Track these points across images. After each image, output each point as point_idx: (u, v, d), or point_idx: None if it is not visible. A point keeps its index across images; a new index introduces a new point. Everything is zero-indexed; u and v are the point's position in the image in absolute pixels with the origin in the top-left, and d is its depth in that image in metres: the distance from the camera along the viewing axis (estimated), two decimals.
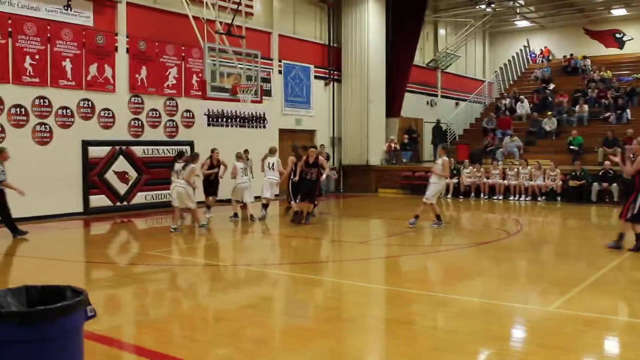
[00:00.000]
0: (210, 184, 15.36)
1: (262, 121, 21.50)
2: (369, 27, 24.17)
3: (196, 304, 7.58)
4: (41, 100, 15.65)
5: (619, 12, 32.24)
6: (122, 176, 17.32)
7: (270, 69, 21.65)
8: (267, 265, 10.45)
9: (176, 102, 18.81)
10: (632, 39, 33.36)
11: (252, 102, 17.57)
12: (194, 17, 16.42)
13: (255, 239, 13.13)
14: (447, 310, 7.16)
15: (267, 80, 21.27)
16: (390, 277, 9.39)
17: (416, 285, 8.36)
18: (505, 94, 30.97)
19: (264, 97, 18.80)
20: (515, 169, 20.73)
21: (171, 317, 6.98)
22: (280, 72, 22.26)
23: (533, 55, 36.57)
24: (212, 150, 15.52)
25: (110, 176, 17.04)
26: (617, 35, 33.93)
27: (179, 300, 7.81)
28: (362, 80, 24.39)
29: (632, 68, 30.85)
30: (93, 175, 16.69)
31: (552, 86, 30.24)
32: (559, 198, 19.72)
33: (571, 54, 33.26)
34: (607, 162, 19.42)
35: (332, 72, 24.71)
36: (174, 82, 18.72)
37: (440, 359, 5.38)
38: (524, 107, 27.89)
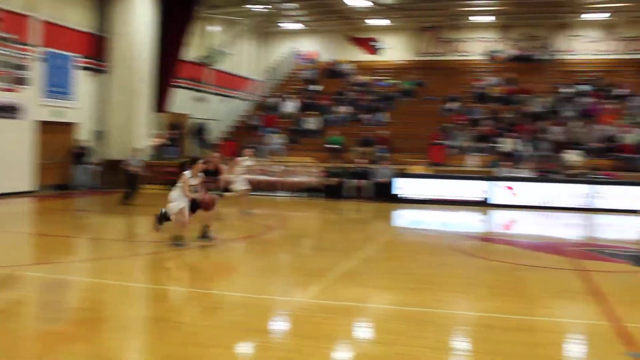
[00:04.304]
0: None
1: (15, 111, 19.84)
2: (138, 19, 23.47)
3: None
4: None
5: (375, 22, 34.64)
6: None
7: (28, 55, 20.06)
8: (16, 266, 9.63)
9: None
10: (392, 47, 36.15)
11: (5, 90, 16.25)
12: None
13: (0, 239, 12.05)
14: (205, 305, 7.24)
15: (23, 67, 19.69)
16: (148, 274, 9.22)
17: (174, 282, 8.36)
18: (273, 93, 31.98)
19: (19, 86, 17.46)
20: (280, 166, 21.60)
21: None
22: (40, 59, 20.71)
23: (301, 57, 38.11)
24: None
25: None
26: (374, 43, 36.63)
27: None
28: (130, 72, 23.60)
29: (390, 74, 33.46)
30: None
31: (317, 87, 31.84)
32: (319, 193, 20.88)
33: (335, 59, 35.24)
34: (358, 160, 21.15)
35: (98, 62, 23.59)
36: None
37: (196, 353, 5.42)
38: (292, 106, 29.04)
